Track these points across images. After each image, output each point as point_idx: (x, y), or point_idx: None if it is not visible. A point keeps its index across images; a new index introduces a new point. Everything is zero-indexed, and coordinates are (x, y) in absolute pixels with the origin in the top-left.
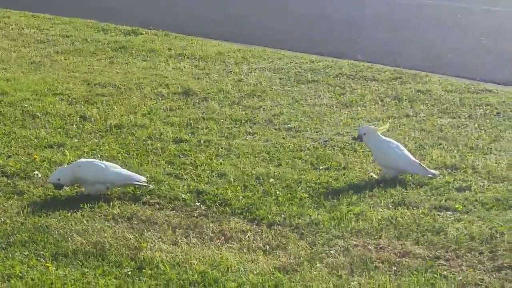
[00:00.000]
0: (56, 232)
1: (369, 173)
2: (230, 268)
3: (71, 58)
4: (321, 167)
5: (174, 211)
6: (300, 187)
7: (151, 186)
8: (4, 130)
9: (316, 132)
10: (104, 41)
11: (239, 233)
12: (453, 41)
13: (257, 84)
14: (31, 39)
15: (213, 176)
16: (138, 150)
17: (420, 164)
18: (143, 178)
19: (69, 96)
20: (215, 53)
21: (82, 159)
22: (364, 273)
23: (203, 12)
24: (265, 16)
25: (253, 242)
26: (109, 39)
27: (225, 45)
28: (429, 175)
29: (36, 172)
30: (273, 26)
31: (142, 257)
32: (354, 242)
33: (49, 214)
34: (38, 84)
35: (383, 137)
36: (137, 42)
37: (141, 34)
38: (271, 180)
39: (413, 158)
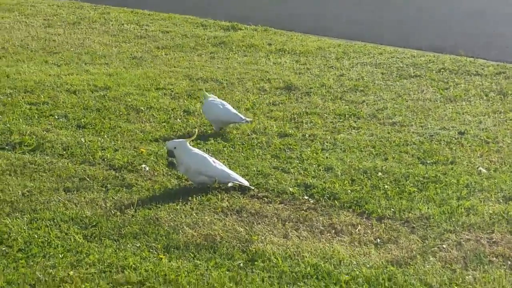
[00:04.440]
0: (167, 225)
1: (477, 168)
2: (342, 261)
3: (172, 53)
4: (428, 162)
5: (282, 205)
6: (408, 181)
7: (253, 188)
8: (110, 124)
9: (421, 127)
10: (203, 37)
11: (349, 227)
12: None
13: (359, 79)
14: (131, 34)
15: (320, 170)
16: (243, 144)
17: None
18: (246, 182)
19: (171, 91)
20: (315, 48)
21: (195, 149)
22: (479, 267)
23: (299, 6)
24: (364, 11)
25: (364, 236)
26: (208, 34)
27: (325, 40)
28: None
29: (143, 166)
30: (372, 21)
31: (253, 249)
32: (466, 236)
33: (159, 207)
34: (140, 79)
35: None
36: (236, 38)
37: (240, 29)
38: (379, 174)
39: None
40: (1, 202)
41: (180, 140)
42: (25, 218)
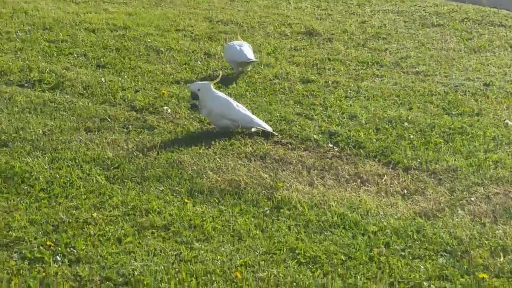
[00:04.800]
0: (190, 169)
1: (504, 120)
2: (369, 212)
3: None
4: (453, 113)
5: (307, 152)
6: (434, 132)
7: (276, 134)
8: (130, 64)
9: (446, 77)
10: None
11: (375, 177)
12: None
13: (381, 26)
14: None
15: (344, 118)
16: (265, 89)
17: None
18: (269, 128)
19: (191, 33)
20: None
21: (219, 92)
22: (509, 221)
23: None
24: None
25: (390, 186)
26: None
27: None
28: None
29: (166, 107)
30: None
31: (279, 197)
32: (495, 189)
33: (181, 150)
34: (160, 20)
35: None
36: None
37: None
38: (405, 124)
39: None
40: (21, 140)
41: (204, 82)
42: (46, 158)
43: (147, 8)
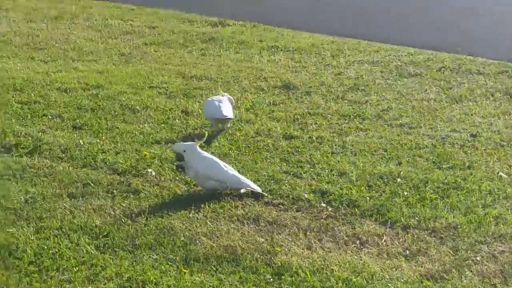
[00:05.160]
0: (182, 235)
1: (498, 173)
2: (374, 276)
3: (161, 50)
4: (444, 166)
5: (300, 213)
6: (428, 187)
7: (266, 195)
8: (107, 125)
9: (431, 129)
10: (192, 33)
11: (374, 237)
12: None
13: (358, 77)
14: (117, 30)
15: (333, 175)
16: (249, 146)
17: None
18: (258, 189)
19: (166, 90)
20: (308, 45)
21: (205, 153)
22: None
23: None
24: (350, 6)
25: (392, 247)
26: (196, 30)
27: (317, 36)
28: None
29: (150, 170)
30: (360, 16)
31: (278, 262)
32: (500, 247)
33: (171, 215)
34: (132, 77)
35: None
36: (226, 34)
37: (229, 25)
38: (398, 180)
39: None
40: (3, 209)
41: (189, 143)
42: (32, 227)
43: (118, 66)
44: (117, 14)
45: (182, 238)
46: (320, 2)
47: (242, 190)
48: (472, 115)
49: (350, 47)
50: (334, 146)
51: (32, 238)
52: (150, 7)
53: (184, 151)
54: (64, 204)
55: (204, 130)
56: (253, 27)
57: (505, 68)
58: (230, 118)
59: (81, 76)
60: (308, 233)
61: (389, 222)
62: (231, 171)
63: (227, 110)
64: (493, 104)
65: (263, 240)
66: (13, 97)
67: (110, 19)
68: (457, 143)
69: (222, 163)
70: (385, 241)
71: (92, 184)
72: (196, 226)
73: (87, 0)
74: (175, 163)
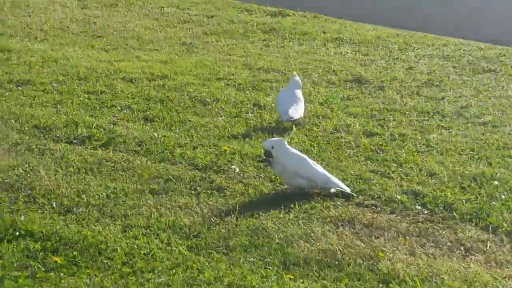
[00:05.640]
0: (277, 236)
1: None
2: (487, 286)
3: (223, 40)
4: None
5: (394, 215)
6: None
7: (355, 195)
8: (179, 117)
9: None
10: (251, 22)
11: (478, 243)
12: None
13: (430, 72)
14: (174, 18)
15: (423, 175)
16: (329, 143)
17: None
18: (347, 189)
19: (234, 81)
20: (374, 37)
21: (294, 149)
22: None
23: None
24: None
25: (499, 255)
26: (256, 20)
27: (382, 29)
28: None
29: (234, 167)
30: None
31: (383, 268)
32: None
33: (260, 215)
34: (198, 68)
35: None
36: (287, 24)
37: (288, 15)
38: (495, 182)
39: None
40: (86, 205)
41: (278, 139)
42: (118, 225)
43: (181, 56)
44: (173, 2)
45: (277, 240)
46: None
47: (332, 190)
48: None
49: (417, 40)
50: (418, 145)
51: (120, 236)
52: None
53: (272, 147)
54: (149, 201)
55: (293, 127)
56: (314, 18)
57: None
58: (296, 119)
59: (145, 65)
60: (407, 237)
61: (490, 228)
62: (320, 169)
63: (294, 111)
64: None
65: (362, 244)
66: (78, 86)
67: (166, 7)
68: None
69: (310, 161)
70: (490, 247)
71: (173, 180)
72: (289, 228)
73: None
74: (260, 158)
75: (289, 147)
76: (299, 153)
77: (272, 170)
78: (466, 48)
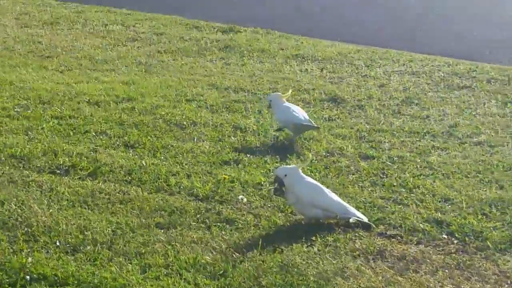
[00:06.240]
0: (309, 273)
1: None
2: None
3: (179, 59)
4: None
5: (423, 246)
6: None
7: (373, 226)
8: (159, 143)
9: None
10: (204, 40)
11: None
12: None
13: (405, 90)
14: (122, 36)
15: (438, 201)
16: (327, 167)
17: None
18: (365, 218)
19: (205, 103)
20: (335, 54)
21: (309, 178)
22: None
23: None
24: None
25: None
26: (208, 37)
27: (339, 45)
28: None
29: (241, 197)
30: (363, 22)
31: None
32: None
33: (283, 249)
34: (163, 88)
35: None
36: (241, 41)
37: (240, 32)
38: None
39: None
40: (93, 243)
41: (292, 166)
42: (135, 265)
43: (141, 76)
44: (116, 19)
45: (312, 278)
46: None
47: (351, 220)
48: None
49: (381, 56)
50: (420, 167)
51: (140, 277)
52: (145, 12)
53: (286, 175)
54: (160, 237)
55: (308, 153)
56: (267, 34)
57: None
58: (317, 127)
59: (107, 87)
60: (447, 270)
61: None
62: (336, 198)
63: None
64: None
65: (403, 280)
66: (43, 111)
67: (111, 24)
68: None
69: (326, 189)
70: None
71: (178, 212)
72: (319, 263)
73: (76, 3)
74: (272, 187)
75: (303, 175)
76: (314, 181)
77: (284, 199)
78: (433, 64)
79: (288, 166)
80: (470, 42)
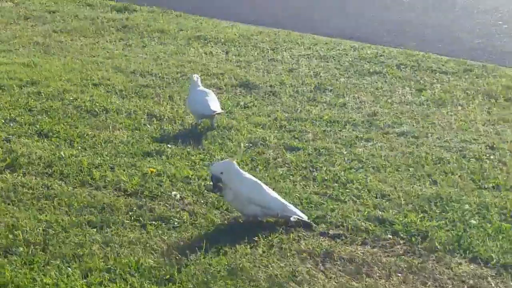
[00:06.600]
0: (261, 278)
1: None
2: None
3: (78, 40)
4: (486, 186)
5: (369, 246)
6: (492, 213)
7: (314, 225)
8: (74, 131)
9: (438, 139)
10: (100, 19)
11: (480, 280)
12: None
13: (316, 75)
14: (13, 14)
15: (375, 198)
16: (253, 159)
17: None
18: (305, 217)
19: (113, 87)
20: (237, 36)
21: (247, 173)
22: None
23: None
24: None
25: None
26: (103, 16)
27: (239, 26)
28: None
29: (174, 193)
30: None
31: None
32: None
33: (226, 251)
34: (67, 72)
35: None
36: (139, 21)
37: (135, 11)
38: (455, 205)
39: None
40: (25, 243)
41: (226, 161)
42: (76, 269)
43: (41, 57)
44: None
45: (264, 283)
46: None
47: (292, 219)
48: (469, 122)
49: (284, 39)
50: (348, 160)
51: (83, 282)
52: None
53: (222, 172)
54: (96, 237)
55: (242, 144)
56: (164, 13)
57: (465, 65)
58: (219, 113)
59: (8, 70)
60: (400, 274)
61: (480, 260)
62: (275, 195)
63: (215, 105)
64: (482, 109)
65: (359, 285)
66: None
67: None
68: (479, 157)
69: (265, 186)
70: (497, 285)
71: (109, 209)
72: (267, 266)
73: None
74: (208, 183)
75: (241, 171)
76: (252, 177)
77: (220, 196)
78: (339, 47)
79: (222, 161)
80: (368, 23)
